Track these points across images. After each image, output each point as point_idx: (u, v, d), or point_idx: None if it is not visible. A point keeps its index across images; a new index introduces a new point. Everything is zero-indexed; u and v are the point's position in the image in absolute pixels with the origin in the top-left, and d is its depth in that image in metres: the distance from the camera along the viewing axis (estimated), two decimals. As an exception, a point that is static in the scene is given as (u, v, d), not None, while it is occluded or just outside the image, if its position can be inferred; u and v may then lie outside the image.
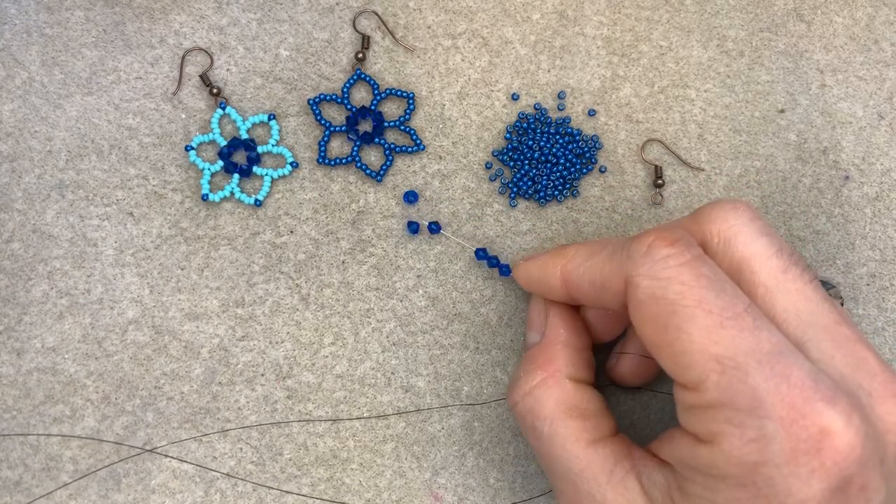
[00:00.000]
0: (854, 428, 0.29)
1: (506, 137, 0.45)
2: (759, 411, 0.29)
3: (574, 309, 0.39)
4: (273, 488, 0.41)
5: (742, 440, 0.29)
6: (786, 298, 0.33)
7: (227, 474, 0.41)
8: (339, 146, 0.45)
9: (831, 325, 0.32)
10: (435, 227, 0.43)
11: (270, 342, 0.43)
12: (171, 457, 0.41)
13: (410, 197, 0.43)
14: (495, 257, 0.43)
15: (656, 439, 0.34)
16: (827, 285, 0.39)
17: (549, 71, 0.46)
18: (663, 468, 0.33)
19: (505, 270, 0.43)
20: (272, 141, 0.44)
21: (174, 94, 0.45)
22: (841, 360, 0.31)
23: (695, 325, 0.30)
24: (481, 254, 0.43)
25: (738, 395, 0.29)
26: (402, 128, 0.45)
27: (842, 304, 0.39)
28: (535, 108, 0.45)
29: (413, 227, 0.43)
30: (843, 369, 0.31)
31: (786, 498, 0.29)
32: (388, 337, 0.43)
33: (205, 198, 0.43)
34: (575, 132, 0.45)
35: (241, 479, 0.42)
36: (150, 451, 0.41)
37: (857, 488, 0.29)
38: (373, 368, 0.43)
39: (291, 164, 0.44)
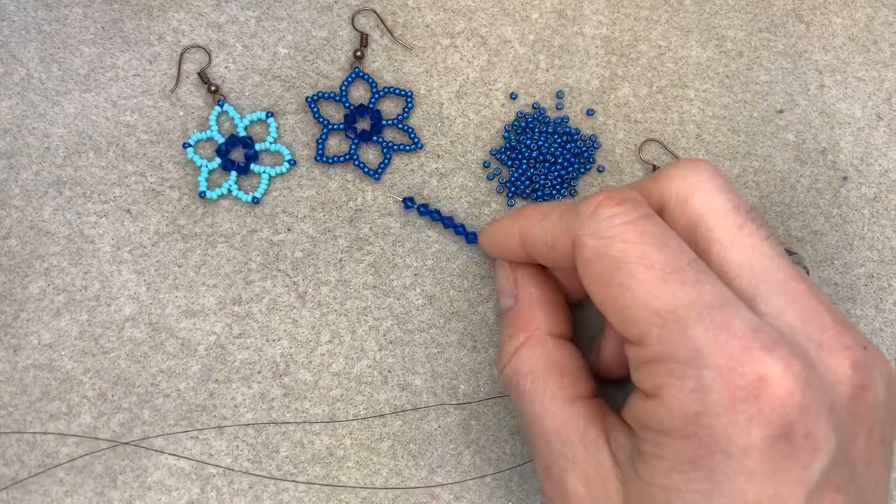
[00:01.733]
0: (793, 375, 0.29)
1: (504, 136, 0.45)
2: (698, 361, 0.29)
3: (541, 267, 0.39)
4: (276, 478, 0.41)
5: (682, 391, 0.29)
6: (741, 254, 0.33)
7: (223, 467, 0.41)
8: (337, 144, 0.45)
9: (785, 279, 0.32)
10: (423, 209, 0.43)
11: (267, 340, 0.43)
12: (159, 451, 0.41)
13: (409, 202, 0.43)
14: (461, 225, 0.43)
15: (625, 406, 0.34)
16: (789, 253, 0.39)
17: (547, 70, 0.46)
18: (629, 433, 0.33)
19: (472, 238, 0.43)
20: (270, 138, 0.44)
21: (172, 91, 0.45)
22: (792, 313, 0.32)
23: (636, 280, 0.31)
24: (447, 222, 0.43)
25: (678, 347, 0.29)
26: (400, 126, 0.44)
27: (807, 274, 0.39)
28: (534, 108, 0.45)
29: (408, 203, 0.43)
30: (793, 322, 0.31)
31: (727, 447, 0.29)
32: (385, 335, 0.43)
33: (202, 195, 0.43)
34: (573, 132, 0.45)
35: (238, 471, 0.41)
36: (126, 443, 0.41)
37: (802, 436, 0.29)
38: (370, 366, 0.43)
39: (289, 161, 0.44)
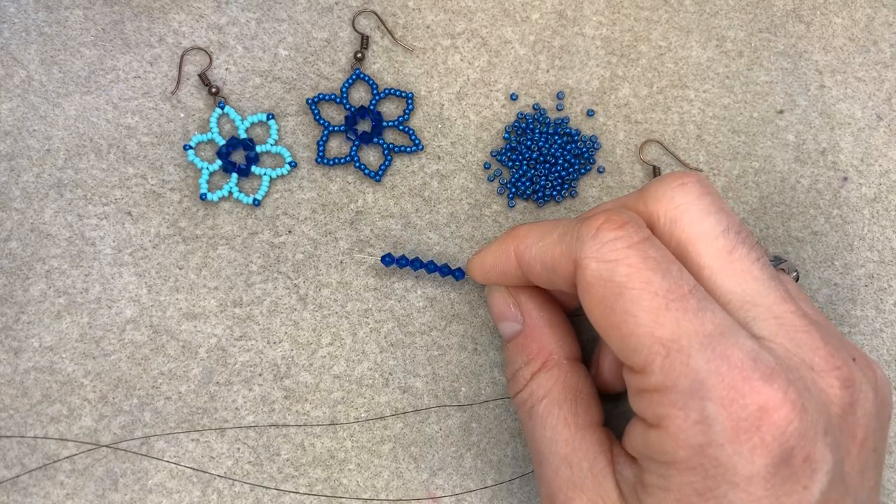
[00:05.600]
0: (790, 402, 0.29)
1: (504, 137, 0.45)
2: (701, 393, 0.29)
3: (540, 288, 0.39)
4: (270, 488, 0.41)
5: (686, 422, 0.30)
6: (731, 279, 0.33)
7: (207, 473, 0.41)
8: (337, 146, 0.45)
9: (776, 302, 0.32)
10: (403, 261, 0.42)
11: (268, 342, 0.43)
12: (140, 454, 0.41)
13: (387, 259, 0.42)
14: (445, 265, 0.42)
15: (624, 434, 0.34)
16: (779, 261, 0.39)
17: (547, 71, 0.46)
18: (632, 464, 0.34)
19: (460, 275, 0.42)
20: (271, 140, 0.44)
21: (173, 93, 0.45)
22: (784, 337, 0.32)
23: (641, 307, 0.31)
24: (430, 268, 0.42)
25: (681, 377, 0.30)
26: (400, 128, 0.44)
27: (797, 279, 0.39)
28: (534, 109, 0.45)
29: (386, 261, 0.42)
30: (787, 345, 0.32)
31: (732, 476, 0.29)
32: (385, 337, 0.43)
33: (203, 197, 0.43)
34: (573, 132, 0.45)
35: (239, 480, 0.42)
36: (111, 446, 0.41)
37: (801, 460, 0.29)
38: (370, 369, 0.43)
39: (290, 163, 0.44)
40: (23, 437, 0.41)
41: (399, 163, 0.45)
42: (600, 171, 0.45)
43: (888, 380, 0.35)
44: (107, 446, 0.41)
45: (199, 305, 0.43)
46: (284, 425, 0.42)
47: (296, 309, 0.43)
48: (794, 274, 0.40)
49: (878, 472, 0.33)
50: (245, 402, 0.42)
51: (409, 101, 0.45)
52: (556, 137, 0.44)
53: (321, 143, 0.44)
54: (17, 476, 0.41)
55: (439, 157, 0.45)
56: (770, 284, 0.33)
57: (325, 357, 0.43)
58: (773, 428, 0.29)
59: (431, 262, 0.42)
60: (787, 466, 0.29)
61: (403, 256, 0.42)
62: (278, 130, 0.44)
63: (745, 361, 0.30)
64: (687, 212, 0.34)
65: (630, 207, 0.35)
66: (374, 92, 0.45)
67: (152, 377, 0.42)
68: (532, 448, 0.37)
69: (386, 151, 0.44)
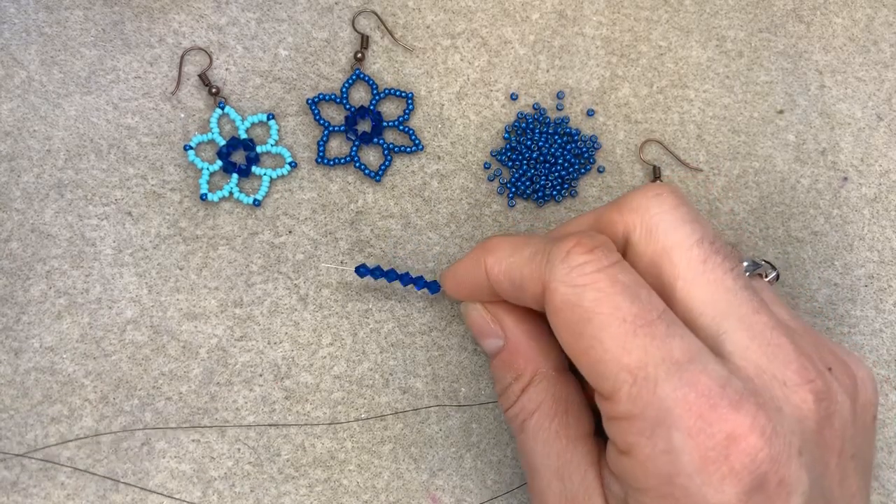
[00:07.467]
0: (759, 428, 0.29)
1: (504, 137, 0.45)
2: (668, 422, 0.29)
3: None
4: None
5: (654, 451, 0.29)
6: (704, 290, 0.32)
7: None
8: (337, 146, 0.45)
9: (748, 314, 0.32)
10: (378, 272, 0.42)
11: (269, 342, 0.43)
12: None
13: (362, 270, 0.41)
14: (421, 277, 0.42)
15: (606, 453, 0.34)
16: (755, 265, 0.39)
17: (547, 71, 0.46)
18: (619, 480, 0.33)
19: (434, 287, 0.42)
20: (271, 141, 0.44)
21: (173, 93, 0.45)
22: (756, 350, 0.31)
23: (608, 333, 0.30)
24: (405, 279, 0.41)
25: (648, 406, 0.29)
26: (400, 128, 0.45)
27: (777, 279, 0.39)
28: (534, 108, 0.45)
29: (361, 271, 0.41)
30: (758, 360, 0.31)
31: None
32: (386, 338, 0.43)
33: (203, 197, 0.43)
34: (573, 132, 0.45)
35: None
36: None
37: (775, 484, 0.29)
38: (371, 369, 0.43)
39: (290, 163, 0.44)
40: (22, 438, 0.41)
41: (399, 163, 0.45)
42: (600, 170, 0.45)
43: (872, 378, 0.34)
44: (105, 433, 0.41)
45: (200, 306, 0.43)
46: (285, 425, 0.42)
47: (296, 309, 0.43)
48: (774, 274, 0.39)
49: (862, 477, 0.33)
50: (245, 403, 0.42)
51: (409, 101, 0.45)
52: (556, 137, 0.44)
53: (321, 143, 0.44)
54: (17, 473, 0.41)
55: (439, 157, 0.45)
56: (742, 295, 0.32)
57: (325, 357, 0.43)
58: (742, 456, 0.29)
59: (407, 273, 0.42)
60: (760, 492, 0.29)
61: (378, 267, 0.42)
62: (278, 130, 0.45)
63: (713, 388, 0.29)
64: (662, 221, 0.33)
65: (605, 218, 0.35)
66: (374, 92, 0.45)
67: (153, 377, 0.42)
68: (524, 462, 0.36)
69: (386, 151, 0.44)
